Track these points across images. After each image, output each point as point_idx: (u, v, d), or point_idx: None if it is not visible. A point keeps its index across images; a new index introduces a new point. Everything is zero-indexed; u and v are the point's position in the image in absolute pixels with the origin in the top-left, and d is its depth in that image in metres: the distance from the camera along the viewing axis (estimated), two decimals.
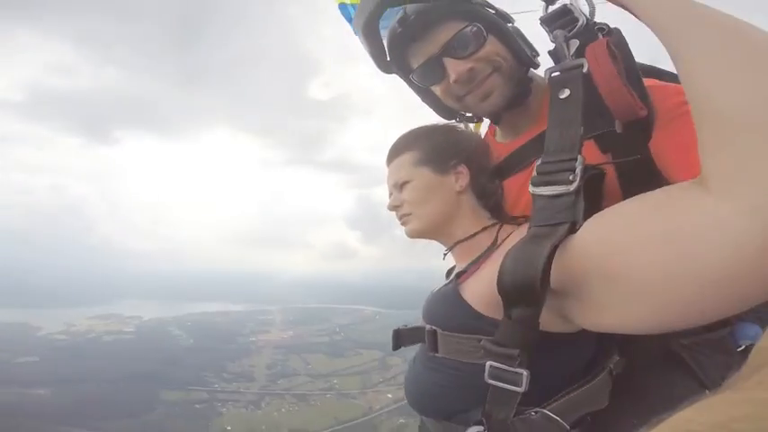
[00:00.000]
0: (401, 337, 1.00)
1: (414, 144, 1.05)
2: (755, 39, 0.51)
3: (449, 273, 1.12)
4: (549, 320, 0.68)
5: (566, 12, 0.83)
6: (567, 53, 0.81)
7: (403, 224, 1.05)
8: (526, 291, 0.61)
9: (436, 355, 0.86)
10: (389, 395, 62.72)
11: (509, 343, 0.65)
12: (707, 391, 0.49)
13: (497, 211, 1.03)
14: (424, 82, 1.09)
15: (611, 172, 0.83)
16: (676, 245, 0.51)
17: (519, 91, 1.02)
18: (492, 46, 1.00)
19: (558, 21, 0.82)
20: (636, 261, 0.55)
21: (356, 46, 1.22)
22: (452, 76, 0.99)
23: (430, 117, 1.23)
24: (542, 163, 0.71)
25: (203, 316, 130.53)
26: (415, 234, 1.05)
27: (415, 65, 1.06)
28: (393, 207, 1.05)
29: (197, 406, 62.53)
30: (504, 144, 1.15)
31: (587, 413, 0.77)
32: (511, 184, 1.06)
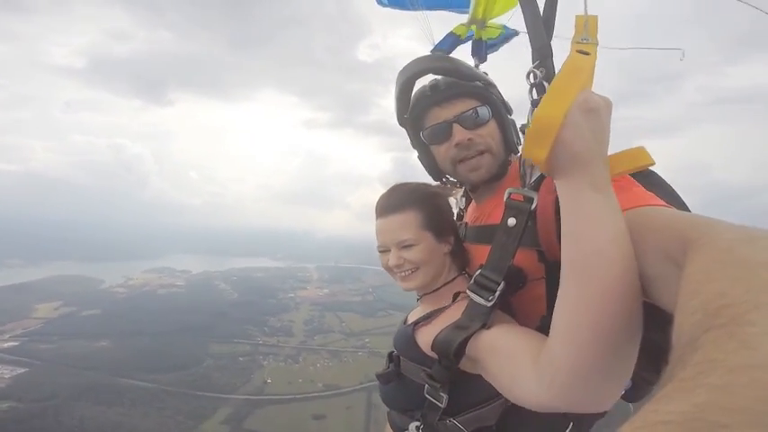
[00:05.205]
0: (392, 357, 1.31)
1: (416, 204, 1.23)
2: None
3: (409, 315, 1.38)
4: (467, 366, 1.02)
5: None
6: (529, 179, 0.94)
7: (403, 280, 1.24)
8: (446, 357, 0.98)
9: (399, 371, 1.21)
10: None
11: (437, 378, 1.05)
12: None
13: (461, 265, 1.30)
14: (431, 140, 1.28)
15: (540, 285, 1.04)
16: (507, 386, 0.89)
17: (501, 171, 1.26)
18: (490, 129, 1.23)
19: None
20: (491, 369, 0.93)
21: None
22: (456, 140, 1.20)
23: None
24: (480, 275, 0.99)
25: (246, 271, 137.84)
26: (413, 289, 1.26)
27: (427, 125, 1.26)
28: (396, 266, 1.22)
29: (241, 359, 66.49)
30: (475, 205, 1.39)
31: (484, 425, 1.10)
32: (469, 247, 1.33)
